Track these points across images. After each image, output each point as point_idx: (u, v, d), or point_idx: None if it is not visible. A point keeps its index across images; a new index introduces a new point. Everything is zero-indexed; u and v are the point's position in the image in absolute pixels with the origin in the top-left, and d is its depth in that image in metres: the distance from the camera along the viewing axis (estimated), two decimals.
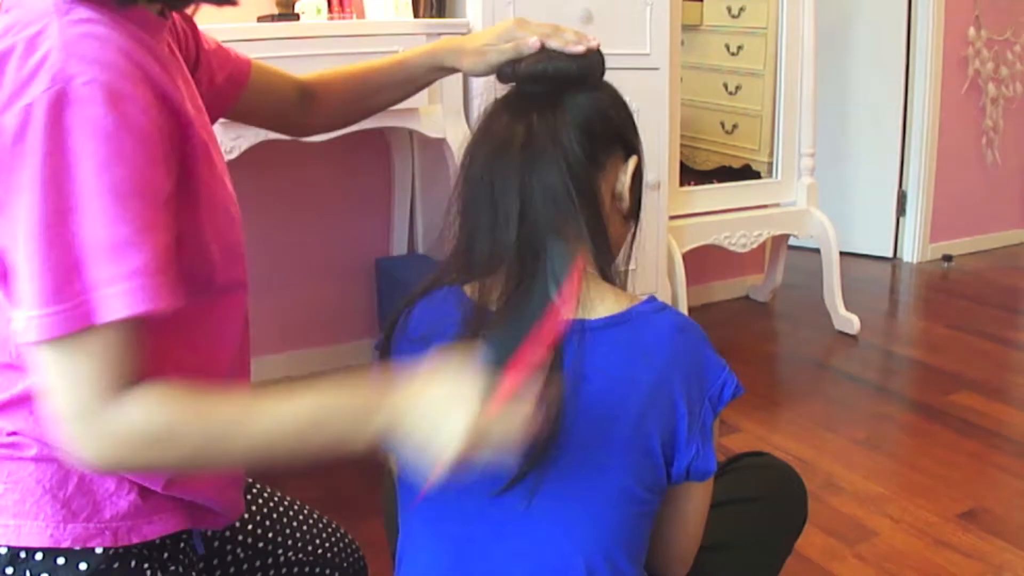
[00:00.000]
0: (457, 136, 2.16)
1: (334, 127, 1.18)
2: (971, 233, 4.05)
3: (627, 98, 0.94)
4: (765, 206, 2.96)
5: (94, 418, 0.67)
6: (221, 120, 1.04)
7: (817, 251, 2.99)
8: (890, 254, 3.92)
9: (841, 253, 2.98)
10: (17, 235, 0.66)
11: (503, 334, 0.77)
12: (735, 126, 3.01)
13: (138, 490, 0.79)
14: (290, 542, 1.07)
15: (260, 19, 2.15)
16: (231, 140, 1.87)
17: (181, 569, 0.85)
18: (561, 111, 0.88)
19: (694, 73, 2.93)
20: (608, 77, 0.94)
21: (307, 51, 1.93)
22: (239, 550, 1.01)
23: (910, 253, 3.89)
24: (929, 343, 2.91)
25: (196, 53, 0.95)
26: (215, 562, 0.99)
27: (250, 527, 1.03)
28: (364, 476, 1.96)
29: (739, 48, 2.96)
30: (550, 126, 0.87)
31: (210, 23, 1.10)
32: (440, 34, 2.14)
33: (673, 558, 0.95)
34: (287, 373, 2.59)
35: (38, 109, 0.64)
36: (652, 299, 0.89)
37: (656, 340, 0.85)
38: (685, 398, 0.84)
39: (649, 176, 2.25)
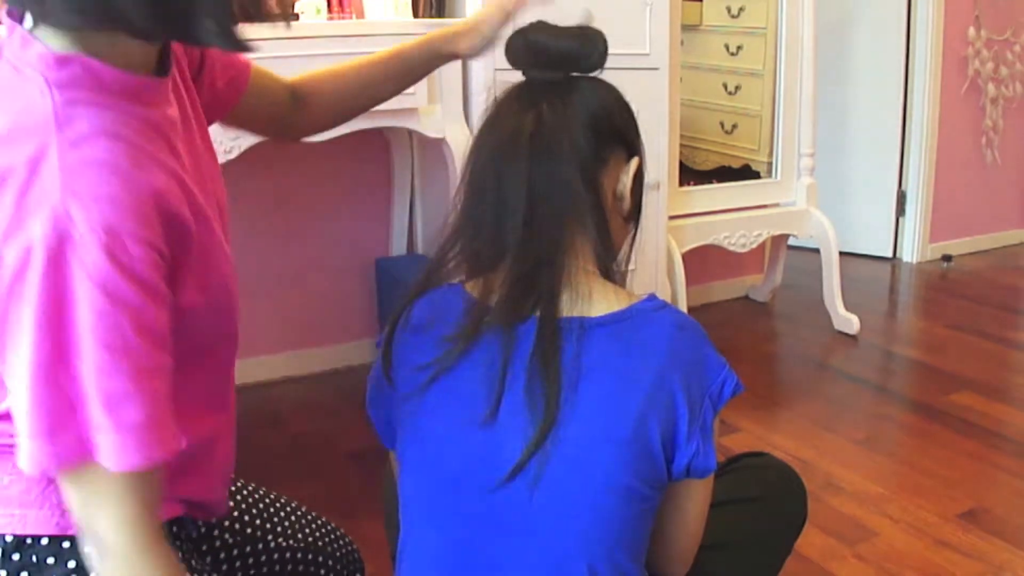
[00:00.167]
0: (457, 136, 2.16)
1: (328, 126, 1.17)
2: (971, 233, 4.05)
3: (627, 98, 0.95)
4: (765, 206, 2.96)
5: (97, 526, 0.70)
6: None
7: (817, 251, 2.99)
8: (890, 254, 3.92)
9: (841, 253, 2.98)
10: (16, 360, 0.66)
11: None
12: (735, 126, 3.01)
13: None
14: (279, 529, 1.08)
15: None
16: (231, 140, 1.87)
17: (181, 552, 0.88)
18: (570, 104, 0.88)
19: (694, 73, 2.93)
20: (608, 77, 0.94)
21: (307, 51, 1.93)
22: (227, 535, 1.03)
23: (910, 253, 3.89)
24: (929, 343, 2.91)
25: (200, 57, 0.95)
26: (204, 547, 1.01)
27: (236, 514, 1.05)
28: (364, 476, 1.96)
29: (739, 48, 2.96)
30: (560, 119, 0.87)
31: None
32: None
33: (673, 557, 0.95)
34: (287, 373, 2.59)
35: (38, 252, 0.64)
36: (652, 297, 0.89)
37: (656, 338, 0.85)
38: (685, 395, 0.84)
39: (649, 176, 2.26)
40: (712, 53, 2.99)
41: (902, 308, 3.48)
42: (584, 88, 0.90)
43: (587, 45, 0.89)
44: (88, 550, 0.71)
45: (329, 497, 1.83)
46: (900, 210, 3.88)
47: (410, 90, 2.08)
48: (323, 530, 1.14)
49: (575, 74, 0.91)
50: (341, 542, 1.15)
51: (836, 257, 2.94)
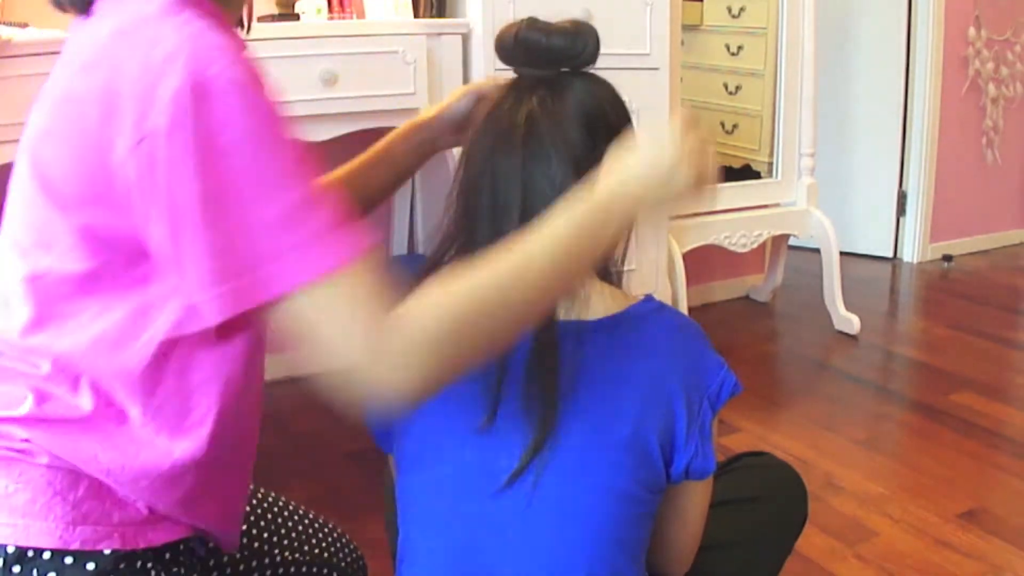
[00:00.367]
0: None
1: None
2: (971, 233, 4.05)
3: (627, 98, 0.94)
4: (765, 206, 2.95)
5: (383, 344, 0.67)
6: None
7: (817, 251, 2.99)
8: (890, 254, 3.92)
9: (841, 253, 2.98)
10: (188, 214, 0.67)
11: None
12: (735, 126, 3.01)
13: (145, 500, 0.80)
14: (286, 542, 1.07)
15: (260, 19, 2.15)
16: None
17: (183, 571, 0.86)
18: (563, 101, 0.87)
19: (694, 73, 2.93)
20: (608, 77, 0.94)
21: (307, 51, 1.94)
22: (236, 551, 1.01)
23: (910, 253, 3.89)
24: (929, 343, 2.91)
25: None
26: (211, 563, 0.99)
27: (244, 527, 1.03)
28: (364, 476, 1.96)
29: (739, 48, 2.96)
30: (553, 116, 0.87)
31: None
32: (440, 34, 2.14)
33: (673, 558, 0.95)
34: (287, 373, 2.59)
35: (183, 99, 0.66)
36: (650, 298, 0.89)
37: (654, 339, 0.85)
38: (684, 397, 0.84)
39: None
40: (713, 53, 2.99)
41: (902, 308, 3.48)
42: (577, 84, 0.89)
43: (578, 41, 0.88)
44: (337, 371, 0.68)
45: (329, 497, 1.83)
46: (900, 210, 3.88)
47: (410, 90, 2.10)
48: (329, 539, 1.13)
49: (567, 70, 0.91)
50: (347, 550, 1.15)
51: (837, 257, 2.94)
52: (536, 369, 0.83)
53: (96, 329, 0.76)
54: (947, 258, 3.89)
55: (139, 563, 0.79)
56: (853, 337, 2.91)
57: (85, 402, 0.77)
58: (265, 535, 1.05)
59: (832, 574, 1.61)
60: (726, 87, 3.01)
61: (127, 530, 0.78)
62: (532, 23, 0.90)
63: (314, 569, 1.09)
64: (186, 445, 0.79)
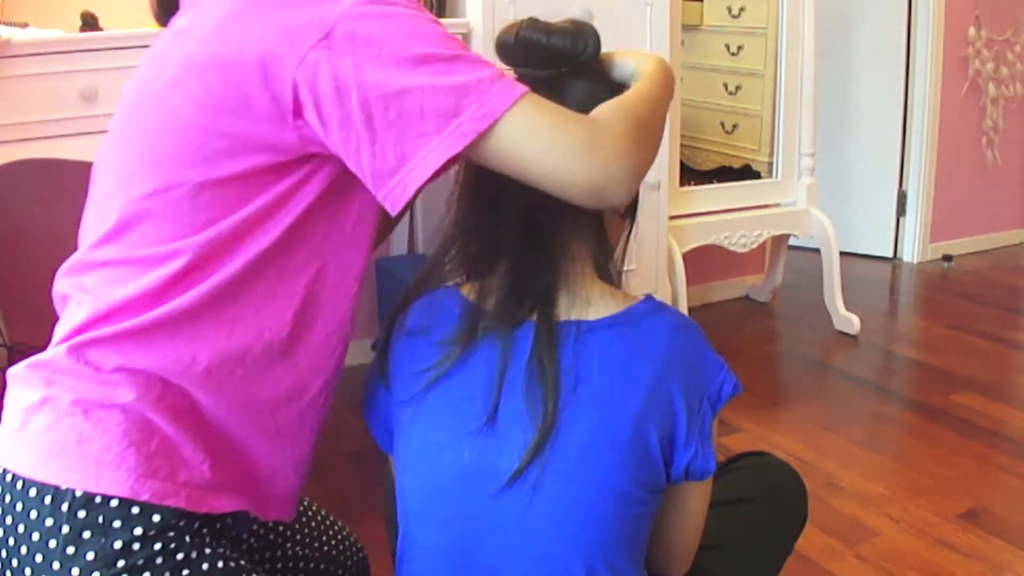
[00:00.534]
0: None
1: None
2: (971, 233, 4.05)
3: None
4: (765, 206, 2.96)
5: (597, 127, 0.77)
6: None
7: (817, 251, 2.99)
8: (890, 254, 3.92)
9: (841, 253, 2.98)
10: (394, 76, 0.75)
11: None
12: (735, 126, 3.01)
13: (210, 462, 0.82)
14: (298, 537, 1.08)
15: None
16: None
17: (229, 545, 0.88)
18: (564, 101, 0.87)
19: (694, 73, 2.93)
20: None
21: None
22: (252, 539, 1.03)
23: (910, 253, 3.89)
24: (929, 343, 2.91)
25: None
26: (243, 547, 1.01)
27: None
28: (364, 476, 1.96)
29: (739, 48, 2.96)
30: None
31: None
32: None
33: (673, 558, 0.95)
34: None
35: (362, 3, 0.76)
36: (650, 299, 0.89)
37: (654, 340, 0.85)
38: (684, 398, 0.84)
39: (649, 176, 2.25)
40: (712, 53, 2.99)
41: (902, 308, 3.48)
42: (577, 85, 0.89)
43: (578, 42, 0.89)
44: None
45: (329, 497, 1.83)
46: (901, 210, 3.88)
47: None
48: (337, 538, 1.14)
49: (568, 71, 0.90)
50: (353, 549, 1.16)
51: (836, 257, 2.94)
52: (537, 369, 0.83)
53: (241, 215, 0.81)
54: (947, 258, 3.89)
55: (196, 524, 0.81)
56: (853, 337, 2.91)
57: (195, 290, 0.81)
58: (280, 527, 1.07)
59: (832, 574, 1.61)
60: (726, 87, 3.01)
61: (192, 492, 0.80)
62: (532, 23, 0.90)
63: (321, 566, 1.10)
64: (271, 329, 0.84)
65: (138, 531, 0.76)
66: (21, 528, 0.76)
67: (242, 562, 0.85)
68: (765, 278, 3.32)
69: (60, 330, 0.84)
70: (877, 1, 3.73)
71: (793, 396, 2.52)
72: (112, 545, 0.75)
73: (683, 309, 2.65)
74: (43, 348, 0.84)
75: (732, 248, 2.84)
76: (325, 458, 2.07)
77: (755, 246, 2.89)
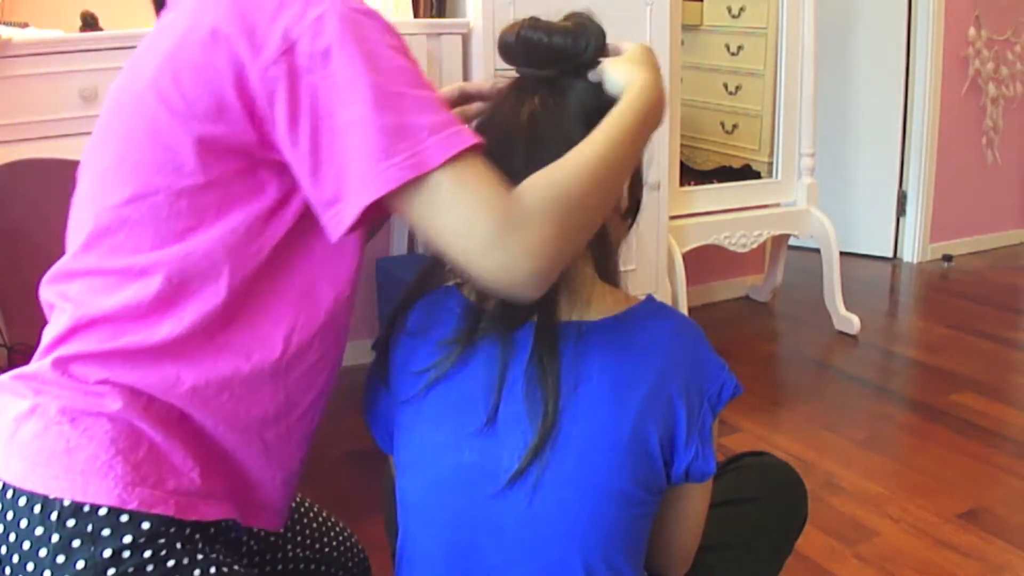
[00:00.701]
0: None
1: None
2: (971, 233, 4.05)
3: None
4: (765, 206, 2.96)
5: (513, 220, 0.72)
6: None
7: (817, 251, 2.99)
8: (890, 254, 3.92)
9: (841, 253, 2.98)
10: (335, 122, 0.74)
11: None
12: (735, 126, 3.01)
13: (200, 469, 0.82)
14: (299, 539, 1.08)
15: None
16: None
17: (224, 550, 0.87)
18: (565, 101, 0.87)
19: (694, 73, 2.93)
20: None
21: None
22: (252, 542, 1.03)
23: (910, 253, 3.89)
24: (929, 343, 2.91)
25: None
26: (243, 550, 1.01)
27: None
28: (364, 476, 1.96)
29: (739, 48, 2.96)
30: (555, 115, 0.86)
31: None
32: (440, 34, 2.14)
33: (673, 558, 0.95)
34: None
35: (331, 18, 0.75)
36: (650, 299, 0.89)
37: (655, 341, 0.85)
38: (684, 399, 0.84)
39: (649, 176, 2.25)
40: (712, 53, 2.99)
41: (902, 308, 3.48)
42: (579, 84, 0.89)
43: (580, 41, 0.88)
44: (469, 251, 0.73)
45: (329, 497, 1.83)
46: (901, 210, 3.88)
47: None
48: (338, 539, 1.14)
49: (569, 70, 0.90)
50: (354, 551, 1.16)
51: (836, 257, 2.94)
52: (537, 370, 0.83)
53: (219, 231, 0.80)
54: (947, 258, 3.89)
55: (188, 531, 0.81)
56: (853, 337, 2.91)
57: (172, 321, 0.80)
58: (282, 529, 1.06)
59: (832, 574, 1.61)
60: (726, 87, 3.01)
61: (181, 499, 0.80)
62: (534, 23, 0.89)
63: (322, 567, 1.10)
64: (260, 351, 0.83)
65: (127, 539, 0.76)
66: (12, 537, 0.76)
67: (236, 567, 0.84)
68: (765, 278, 3.33)
69: (45, 338, 0.84)
70: (877, 1, 3.73)
71: (793, 396, 2.51)
72: (102, 554, 0.75)
73: (683, 309, 2.65)
74: None
75: (732, 248, 2.85)
76: (325, 458, 2.07)
77: (755, 246, 2.89)
